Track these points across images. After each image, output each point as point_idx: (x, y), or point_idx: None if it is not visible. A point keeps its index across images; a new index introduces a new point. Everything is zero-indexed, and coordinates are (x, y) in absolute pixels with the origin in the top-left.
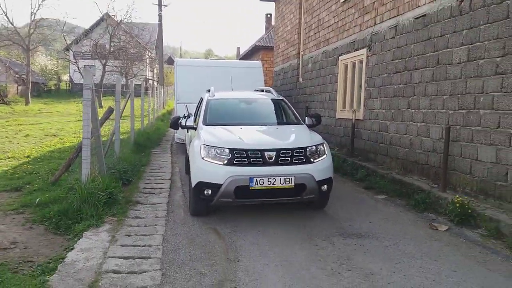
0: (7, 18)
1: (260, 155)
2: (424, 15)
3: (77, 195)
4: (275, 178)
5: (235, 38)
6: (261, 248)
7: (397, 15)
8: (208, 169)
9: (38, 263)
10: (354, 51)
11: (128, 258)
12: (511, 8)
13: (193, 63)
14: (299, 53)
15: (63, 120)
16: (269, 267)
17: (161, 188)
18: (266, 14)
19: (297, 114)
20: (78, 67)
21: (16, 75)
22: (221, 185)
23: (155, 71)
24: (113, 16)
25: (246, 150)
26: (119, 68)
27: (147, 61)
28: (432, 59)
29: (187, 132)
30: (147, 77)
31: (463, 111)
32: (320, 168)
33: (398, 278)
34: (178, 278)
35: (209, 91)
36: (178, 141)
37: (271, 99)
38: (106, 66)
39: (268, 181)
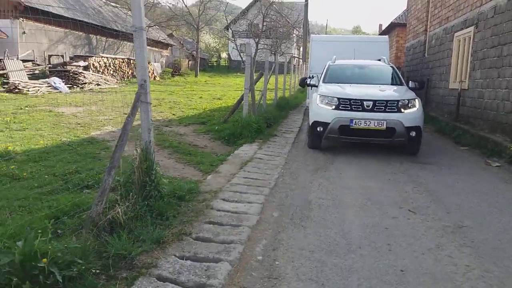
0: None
1: (360, 103)
2: None
3: (239, 124)
4: (370, 121)
5: (380, 14)
6: (350, 161)
7: None
8: (321, 112)
9: (219, 153)
10: (466, 28)
11: (268, 155)
12: None
13: (325, 38)
14: (426, 30)
15: (224, 89)
16: (350, 167)
17: (291, 131)
18: None
19: (402, 78)
20: (236, 44)
21: (188, 52)
22: (329, 123)
23: (301, 49)
24: None
25: (349, 99)
26: (269, 46)
27: (294, 40)
28: None
29: (310, 89)
30: (293, 55)
31: None
32: (409, 117)
33: (433, 178)
34: (293, 164)
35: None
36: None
37: (381, 65)
38: (259, 45)
39: (365, 123)
